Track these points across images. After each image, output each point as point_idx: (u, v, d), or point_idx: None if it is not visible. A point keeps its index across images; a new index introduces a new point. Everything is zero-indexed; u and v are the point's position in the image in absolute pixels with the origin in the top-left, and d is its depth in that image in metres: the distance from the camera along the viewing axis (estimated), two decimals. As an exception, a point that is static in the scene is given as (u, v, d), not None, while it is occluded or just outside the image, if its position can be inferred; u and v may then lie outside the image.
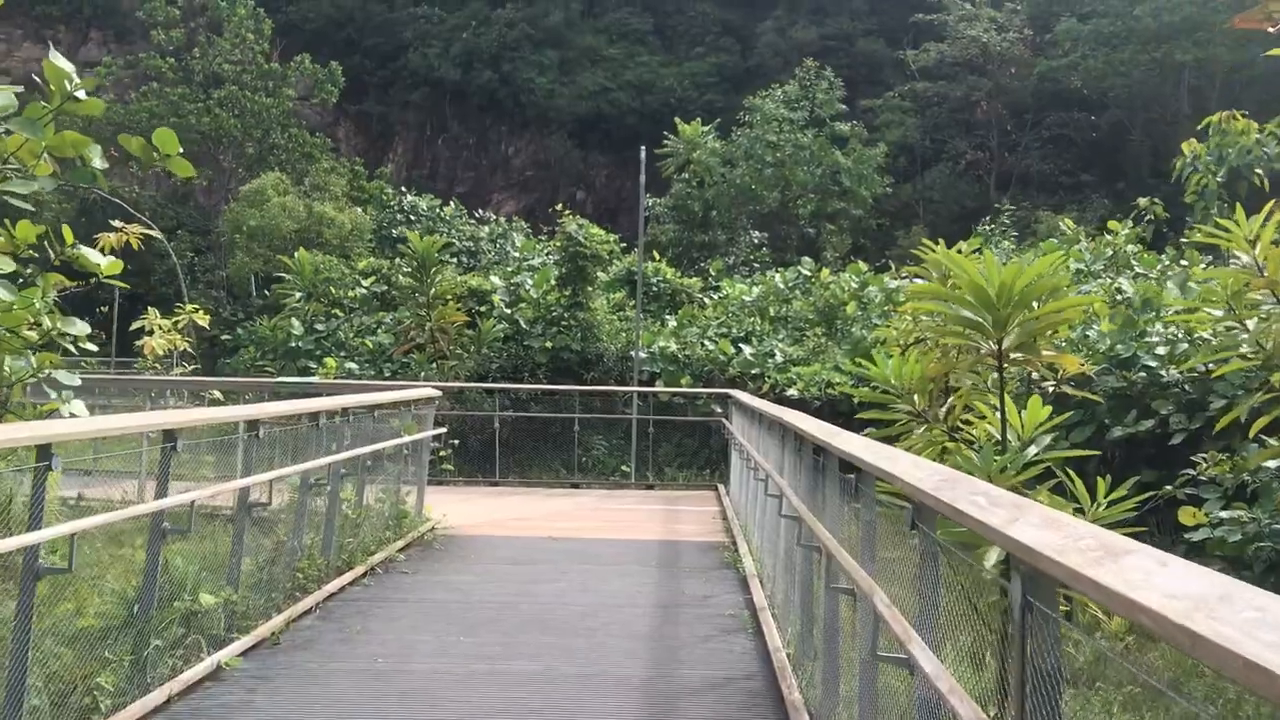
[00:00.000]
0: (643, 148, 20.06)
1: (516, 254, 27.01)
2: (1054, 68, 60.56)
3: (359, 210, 32.88)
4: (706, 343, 21.24)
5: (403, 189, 36.19)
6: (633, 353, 19.64)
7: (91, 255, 7.92)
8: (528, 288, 21.89)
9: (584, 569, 10.23)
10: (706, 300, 25.01)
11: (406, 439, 11.24)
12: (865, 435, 6.72)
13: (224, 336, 27.02)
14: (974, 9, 58.64)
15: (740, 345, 21.02)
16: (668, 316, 23.42)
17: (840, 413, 19.34)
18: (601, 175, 73.75)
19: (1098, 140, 63.15)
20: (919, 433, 6.99)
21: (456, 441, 17.79)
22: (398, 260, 23.14)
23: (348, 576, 9.10)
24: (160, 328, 17.77)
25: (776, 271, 26.65)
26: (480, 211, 35.29)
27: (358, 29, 74.00)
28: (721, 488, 17.12)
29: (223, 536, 7.77)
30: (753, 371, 20.20)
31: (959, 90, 62.26)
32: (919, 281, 13.45)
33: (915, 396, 7.13)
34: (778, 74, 54.89)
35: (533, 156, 75.22)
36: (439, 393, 12.74)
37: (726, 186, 38.12)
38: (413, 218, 33.43)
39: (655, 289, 24.60)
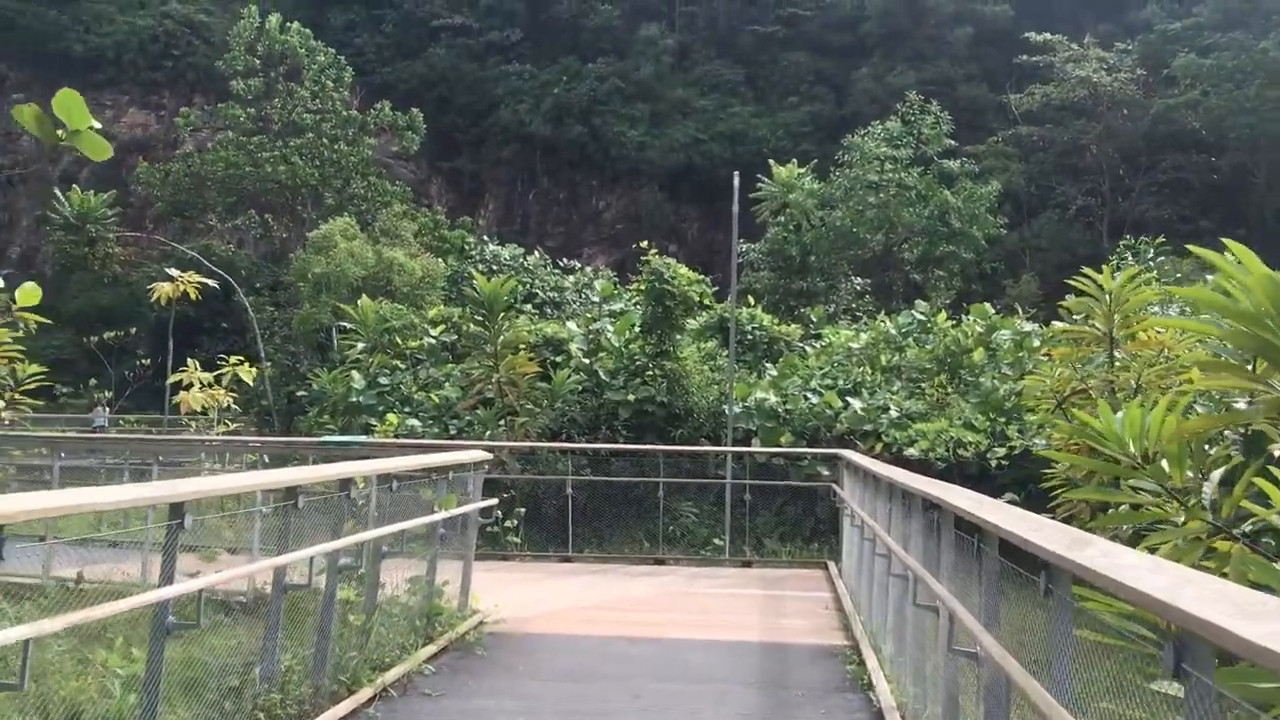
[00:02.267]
0: (735, 173, 17.78)
1: (596, 299, 24.85)
2: (1170, 106, 57.27)
3: (431, 256, 31.20)
4: (810, 395, 18.72)
5: (484, 237, 34.60)
6: (726, 407, 17.20)
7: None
8: (608, 335, 19.66)
9: (665, 691, 7.75)
10: (808, 349, 22.49)
11: (439, 515, 8.95)
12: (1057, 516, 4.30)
13: (299, 392, 25.41)
14: (1081, 50, 55.71)
15: (849, 398, 18.44)
16: (766, 366, 20.95)
17: (969, 476, 16.64)
18: (693, 228, 72.22)
19: (1217, 183, 59.60)
20: (1179, 525, 4.42)
21: (524, 510, 15.51)
22: (468, 308, 21.18)
23: (345, 706, 6.77)
24: (200, 382, 15.97)
25: (887, 316, 23.95)
26: (564, 261, 33.42)
27: (450, 88, 74.16)
28: (832, 566, 14.49)
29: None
30: (864, 428, 17.59)
31: (1066, 134, 59.43)
32: (1063, 322, 10.70)
33: (1165, 464, 4.58)
34: (874, 121, 52.83)
35: (623, 210, 74.07)
36: (489, 456, 10.47)
37: (825, 230, 35.68)
38: (494, 267, 31.68)
39: (750, 337, 22.18)
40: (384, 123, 41.24)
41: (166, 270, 20.07)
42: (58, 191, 35.39)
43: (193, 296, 21.10)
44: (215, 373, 16.52)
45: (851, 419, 17.71)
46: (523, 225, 73.40)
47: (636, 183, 73.26)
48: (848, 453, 13.97)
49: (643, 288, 18.56)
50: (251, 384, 17.23)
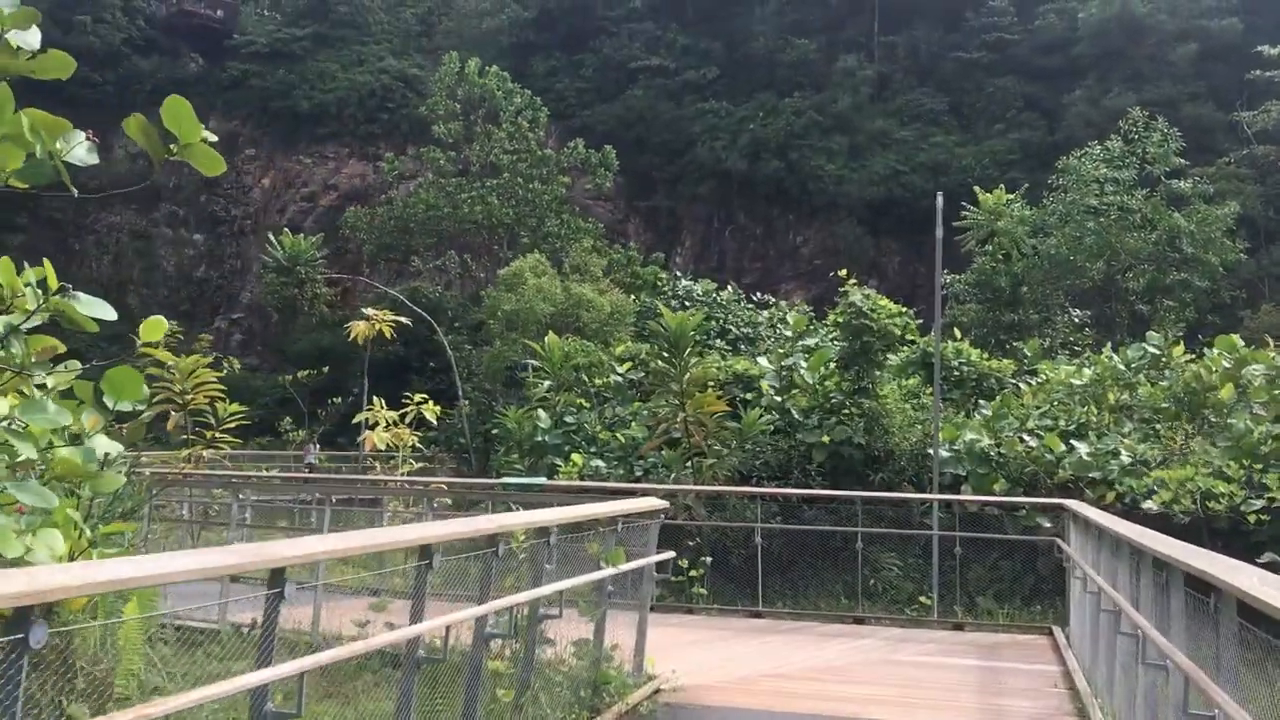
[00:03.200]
0: (939, 194, 16.32)
1: (789, 333, 23.64)
2: None
3: (620, 292, 30.71)
4: (1026, 438, 16.93)
5: (677, 274, 33.98)
6: (931, 450, 15.68)
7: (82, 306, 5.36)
8: (802, 371, 18.43)
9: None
10: (1022, 386, 20.59)
11: (606, 572, 8.02)
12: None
13: (494, 431, 25.34)
14: (1322, 57, 50.73)
15: (1073, 441, 16.55)
16: (981, 403, 19.21)
17: (1218, 532, 14.57)
18: (894, 262, 69.98)
19: None
20: None
21: (709, 559, 14.48)
22: (655, 344, 20.40)
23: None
24: (385, 421, 15.73)
25: (1115, 351, 21.66)
26: (758, 295, 32.35)
27: (647, 127, 74.77)
28: (1059, 632, 12.78)
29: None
30: (1091, 475, 15.69)
31: (1308, 153, 54.36)
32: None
33: None
34: (1092, 142, 49.60)
35: (821, 244, 72.52)
36: (665, 505, 9.47)
37: (1038, 259, 33.23)
38: (687, 303, 30.95)
39: (957, 373, 20.49)
40: (577, 160, 41.35)
41: (362, 310, 20.28)
42: (271, 236, 37.07)
43: (387, 335, 21.25)
44: (400, 411, 16.32)
45: (1076, 465, 15.85)
46: (719, 262, 72.90)
47: (835, 216, 71.80)
48: (1075, 504, 12.30)
49: (839, 320, 17.29)
50: (435, 422, 16.92)
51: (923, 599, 14.58)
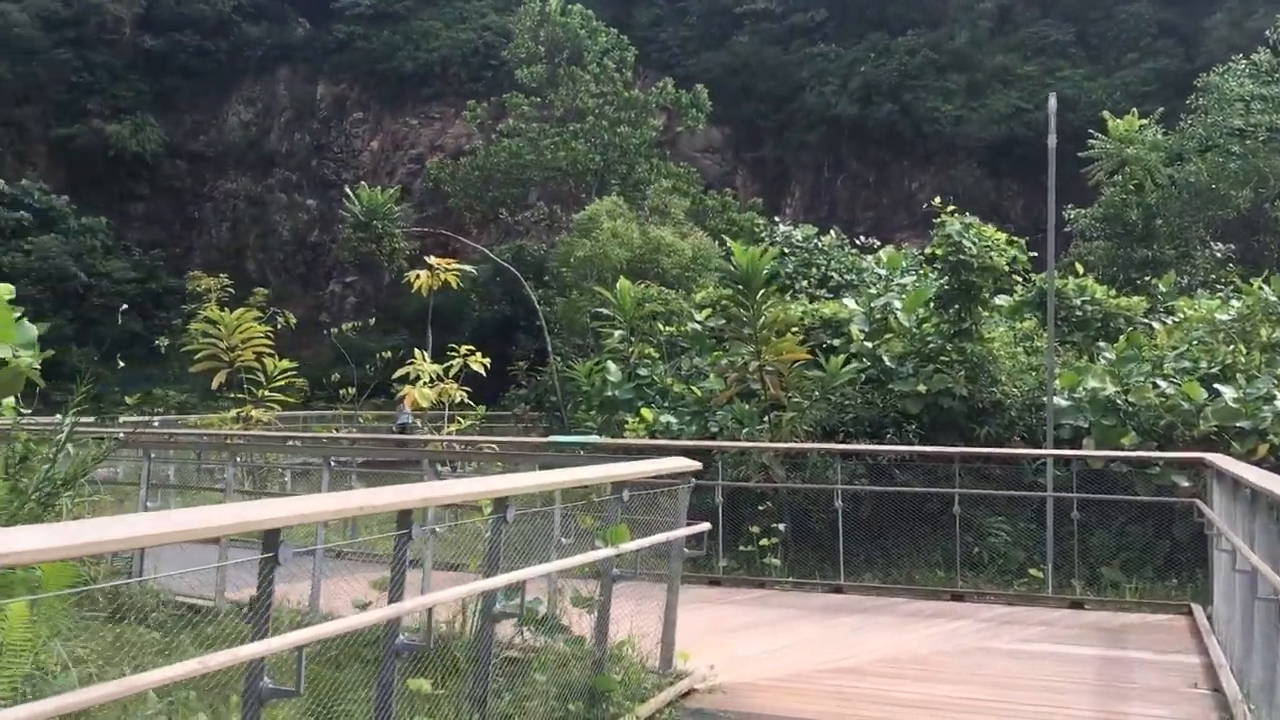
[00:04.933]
0: (1051, 95, 14.02)
1: (882, 272, 21.46)
2: None
3: (704, 234, 28.72)
4: (1160, 383, 14.63)
5: (775, 218, 31.89)
6: (1045, 399, 13.53)
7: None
8: (896, 313, 16.39)
9: None
10: (1155, 326, 18.13)
11: (604, 553, 6.35)
12: None
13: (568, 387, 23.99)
14: None
15: (1217, 386, 14.19)
16: (1101, 347, 16.87)
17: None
18: (1017, 205, 66.26)
19: None
20: None
21: (783, 525, 12.73)
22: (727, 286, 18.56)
23: None
24: (426, 376, 14.37)
25: (1266, 282, 18.87)
26: (862, 239, 30.04)
27: (752, 75, 72.31)
28: (1199, 611, 10.68)
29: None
30: (1239, 425, 13.38)
31: None
32: None
33: None
34: (1237, 56, 45.38)
35: (938, 189, 68.76)
36: (694, 465, 7.73)
37: (1175, 189, 30.06)
38: (785, 250, 28.91)
39: (1080, 313, 18.10)
40: (667, 102, 39.37)
41: (426, 260, 19.07)
42: (348, 189, 36.33)
43: (454, 285, 19.98)
44: (445, 364, 14.97)
45: (1221, 414, 13.53)
46: (830, 212, 70.24)
47: (952, 159, 68.49)
48: (1217, 458, 10.21)
49: (937, 251, 15.18)
50: (484, 375, 15.53)
51: (1034, 571, 12.57)
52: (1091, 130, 33.50)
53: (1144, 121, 31.53)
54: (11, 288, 9.58)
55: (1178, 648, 9.44)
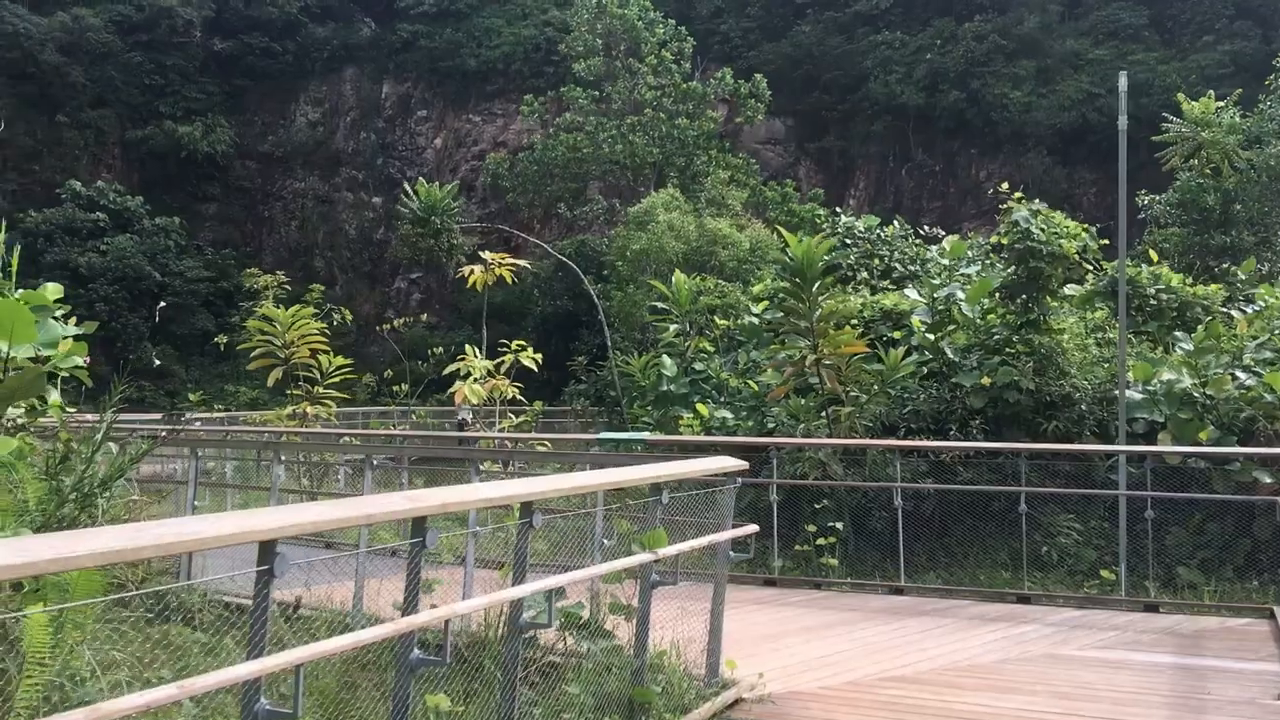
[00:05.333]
0: (1122, 74, 13.39)
1: (945, 261, 20.84)
2: None
3: (761, 224, 28.16)
4: (1241, 375, 13.95)
5: (837, 209, 31.31)
6: (1118, 392, 12.95)
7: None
8: (959, 304, 15.85)
9: None
10: (1234, 315, 17.36)
11: (640, 558, 6.06)
12: None
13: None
14: None
15: (1300, 378, 13.48)
16: (1178, 338, 16.17)
17: None
18: (1089, 193, 64.72)
19: None
20: None
21: (839, 524, 12.34)
22: (782, 277, 18.13)
23: None
24: (476, 371, 14.20)
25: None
26: (926, 228, 29.34)
27: (815, 65, 71.47)
28: (1281, 616, 10.11)
29: None
30: (1325, 419, 12.68)
31: None
32: None
33: None
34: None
35: (1007, 178, 67.45)
36: (740, 465, 7.39)
37: (1254, 173, 28.93)
38: (847, 241, 28.36)
39: (1154, 302, 17.40)
40: (725, 92, 38.82)
41: (480, 255, 18.92)
42: (406, 185, 36.41)
43: (508, 280, 19.82)
44: (495, 360, 14.78)
45: (1306, 407, 12.86)
46: (895, 203, 69.22)
47: (1022, 147, 67.13)
48: (1304, 455, 9.61)
49: (1002, 242, 14.63)
50: (535, 370, 15.30)
51: (1106, 572, 12.03)
52: (1166, 114, 32.40)
53: (1220, 104, 30.36)
54: (59, 287, 9.57)
55: (1259, 655, 8.90)
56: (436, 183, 37.04)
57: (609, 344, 30.85)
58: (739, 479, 7.40)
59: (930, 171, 70.94)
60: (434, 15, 76.98)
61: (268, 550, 3.77)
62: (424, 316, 33.80)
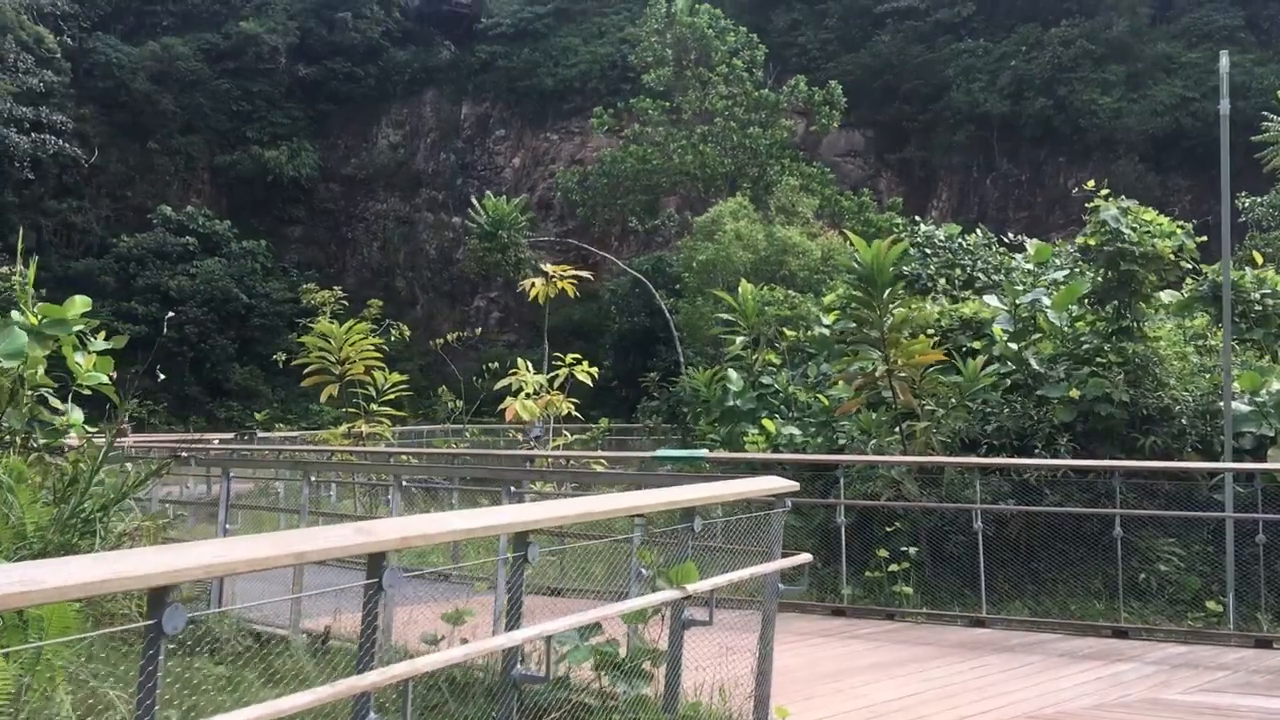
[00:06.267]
0: (1223, 54, 12.30)
1: (1029, 266, 19.67)
2: None
3: (835, 233, 27.15)
4: (1361, 385, 12.69)
5: (916, 218, 30.21)
6: (1222, 404, 11.81)
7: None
8: (1045, 311, 14.78)
9: None
10: (1351, 320, 15.97)
11: (663, 595, 5.28)
12: None
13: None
14: None
15: None
16: (1287, 343, 14.90)
17: None
18: (1185, 200, 62.23)
19: None
20: None
21: (914, 549, 11.43)
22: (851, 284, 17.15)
23: None
24: (529, 386, 13.59)
25: None
26: (1010, 236, 28.10)
27: (896, 75, 70.24)
28: None
29: None
30: None
31: None
32: None
33: None
34: None
35: (1097, 186, 65.51)
36: (792, 487, 6.57)
37: (1365, 171, 27.25)
38: (927, 251, 27.28)
39: (1259, 308, 16.09)
40: (800, 101, 37.95)
41: (540, 267, 18.39)
42: (474, 200, 36.18)
43: (570, 293, 19.25)
44: (550, 374, 14.17)
45: None
46: (980, 213, 67.47)
47: (1112, 154, 64.92)
48: None
49: (1090, 244, 13.56)
50: (585, 382, 14.65)
51: (1211, 603, 10.90)
52: (1267, 112, 30.72)
53: (1327, 98, 28.64)
54: (87, 301, 9.19)
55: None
56: (503, 196, 36.77)
57: (681, 359, 30.14)
58: (789, 501, 6.60)
59: (1016, 181, 69.15)
60: (512, 36, 77.50)
61: (158, 599, 3.08)
62: (478, 331, 33.36)
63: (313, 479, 10.57)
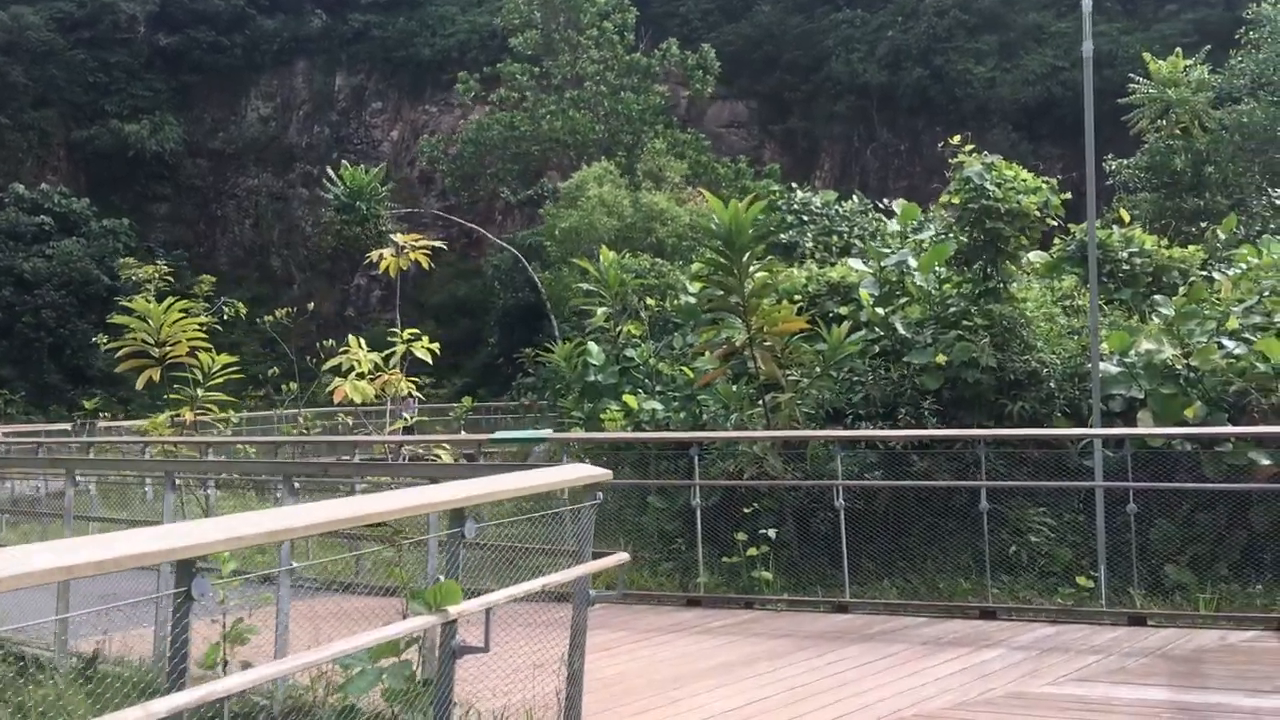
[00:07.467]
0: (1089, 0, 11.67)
1: (896, 227, 19.15)
2: None
3: (707, 197, 26.30)
4: (1227, 343, 12.32)
5: (792, 185, 29.64)
6: (1090, 365, 11.28)
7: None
8: (911, 273, 14.15)
9: None
10: (1215, 277, 15.75)
11: (412, 623, 4.23)
12: None
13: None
14: None
15: (1297, 344, 11.85)
16: (1157, 301, 14.53)
17: None
18: (1056, 168, 63.28)
19: None
20: None
21: (776, 531, 10.63)
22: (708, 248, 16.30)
23: None
24: (362, 365, 12.38)
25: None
26: (885, 202, 27.71)
27: (776, 45, 70.04)
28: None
29: None
30: (1328, 390, 11.06)
31: None
32: None
33: None
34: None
35: (963, 145, 66.45)
36: (603, 475, 5.58)
37: (1225, 133, 27.46)
38: (804, 217, 26.68)
39: (1127, 267, 15.76)
40: (672, 64, 37.02)
41: (391, 238, 17.10)
42: (330, 170, 34.46)
43: (424, 265, 17.98)
44: (385, 352, 13.00)
45: (1304, 376, 11.23)
46: (862, 182, 67.88)
47: (987, 123, 65.86)
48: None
49: (955, 198, 12.91)
50: (431, 362, 13.51)
51: (1082, 579, 10.34)
52: (1133, 75, 30.84)
53: (1189, 62, 28.83)
54: None
55: (1274, 684, 7.24)
56: (361, 165, 35.08)
57: (558, 333, 29.05)
58: (599, 494, 5.62)
59: (895, 150, 69.83)
60: (386, 4, 74.94)
61: None
62: (310, 306, 31.56)
63: (77, 478, 9.20)
